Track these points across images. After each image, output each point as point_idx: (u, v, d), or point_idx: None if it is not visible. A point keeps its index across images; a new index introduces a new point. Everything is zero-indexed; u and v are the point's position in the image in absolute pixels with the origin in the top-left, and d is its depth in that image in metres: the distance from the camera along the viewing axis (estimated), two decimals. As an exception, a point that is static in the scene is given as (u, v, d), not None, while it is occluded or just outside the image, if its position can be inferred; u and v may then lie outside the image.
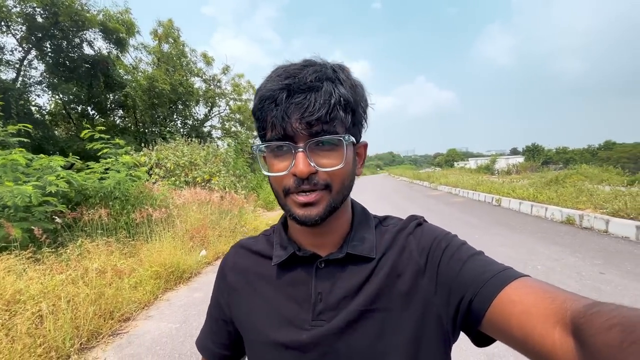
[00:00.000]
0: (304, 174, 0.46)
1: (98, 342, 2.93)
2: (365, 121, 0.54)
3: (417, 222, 0.58)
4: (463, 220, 8.22)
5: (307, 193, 0.48)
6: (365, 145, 0.57)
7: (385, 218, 0.62)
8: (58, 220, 4.22)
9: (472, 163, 48.84)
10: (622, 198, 6.92)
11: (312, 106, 0.45)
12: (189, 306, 3.68)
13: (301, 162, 0.46)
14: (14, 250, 3.44)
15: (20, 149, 4.82)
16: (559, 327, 0.36)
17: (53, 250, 3.86)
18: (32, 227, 3.77)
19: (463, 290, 0.46)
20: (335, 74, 0.48)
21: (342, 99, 0.47)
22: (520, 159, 36.42)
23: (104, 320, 3.12)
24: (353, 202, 0.61)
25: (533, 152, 53.81)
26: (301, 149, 0.46)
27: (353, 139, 0.49)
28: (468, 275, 0.47)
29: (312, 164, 0.47)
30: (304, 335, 0.52)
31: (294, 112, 0.45)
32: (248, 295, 0.60)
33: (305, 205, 0.48)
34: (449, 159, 67.14)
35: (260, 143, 0.51)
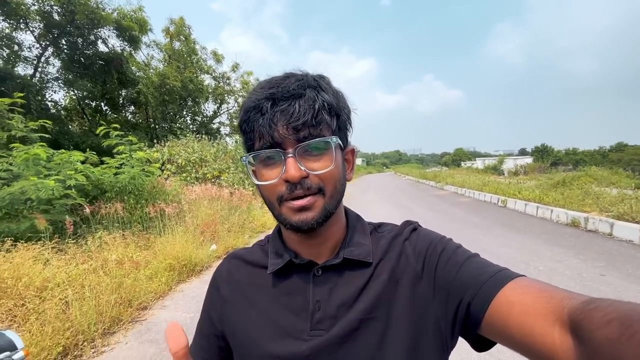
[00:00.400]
0: (296, 178, 0.46)
1: (119, 327, 3.14)
2: (350, 126, 0.55)
3: (412, 227, 0.58)
4: (468, 220, 8.29)
5: (301, 198, 0.48)
6: (353, 151, 0.58)
7: (380, 225, 0.62)
8: (87, 210, 4.49)
9: (479, 163, 48.45)
10: (628, 201, 6.94)
11: (297, 112, 0.46)
12: (202, 297, 3.82)
13: (292, 167, 0.46)
14: (39, 240, 3.67)
15: (42, 143, 5.05)
16: (558, 325, 0.36)
17: (74, 241, 4.10)
18: (62, 218, 4.01)
19: (461, 294, 0.46)
20: (316, 82, 0.50)
21: (325, 103, 0.48)
22: (528, 160, 36.09)
23: (124, 308, 3.33)
24: (346, 209, 0.61)
25: (542, 153, 53.16)
26: (290, 155, 0.46)
27: (340, 141, 0.50)
28: (465, 278, 0.47)
29: (302, 168, 0.47)
30: (303, 346, 0.50)
31: (280, 119, 0.46)
32: (242, 308, 0.57)
33: (301, 210, 0.48)
34: (456, 159, 66.68)
35: (248, 153, 0.51)
